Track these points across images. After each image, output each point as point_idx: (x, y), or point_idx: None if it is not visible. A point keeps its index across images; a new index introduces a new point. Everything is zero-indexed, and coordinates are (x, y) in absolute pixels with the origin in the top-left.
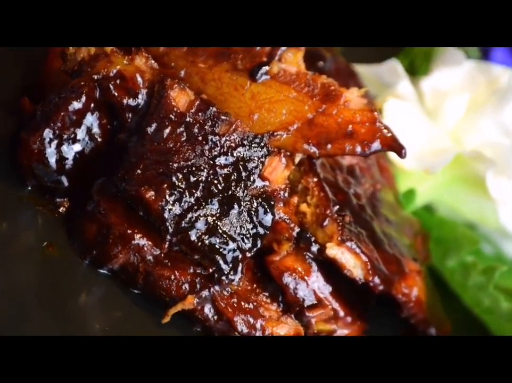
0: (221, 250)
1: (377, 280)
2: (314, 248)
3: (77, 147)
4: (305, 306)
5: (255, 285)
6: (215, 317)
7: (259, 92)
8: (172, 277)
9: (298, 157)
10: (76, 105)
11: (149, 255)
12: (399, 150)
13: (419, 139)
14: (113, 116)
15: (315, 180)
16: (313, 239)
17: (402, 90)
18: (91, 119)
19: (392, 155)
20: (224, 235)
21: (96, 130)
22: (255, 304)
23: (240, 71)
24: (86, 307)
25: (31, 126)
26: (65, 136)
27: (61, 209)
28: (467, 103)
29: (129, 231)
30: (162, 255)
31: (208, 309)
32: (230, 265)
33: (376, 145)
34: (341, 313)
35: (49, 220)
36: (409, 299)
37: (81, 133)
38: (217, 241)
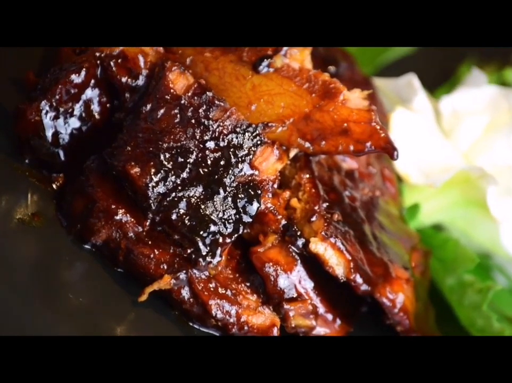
0: (201, 232)
1: (359, 279)
2: (300, 242)
3: (74, 122)
4: (284, 298)
5: (237, 275)
6: (191, 300)
7: (260, 83)
8: (152, 256)
9: (293, 152)
10: (75, 78)
11: (131, 232)
12: (392, 151)
13: (429, 155)
14: (113, 96)
15: (309, 176)
16: (299, 233)
17: (418, 105)
18: (90, 96)
19: (398, 168)
20: (206, 218)
21: (95, 107)
22: (234, 291)
23: (244, 63)
24: (69, 282)
25: (30, 98)
26: (62, 109)
27: (55, 185)
28: (485, 127)
29: (113, 206)
30: (144, 233)
31: (185, 292)
32: (209, 248)
33: (370, 145)
34: (322, 310)
35: (42, 194)
36: (393, 305)
37: (79, 108)
38: (199, 223)
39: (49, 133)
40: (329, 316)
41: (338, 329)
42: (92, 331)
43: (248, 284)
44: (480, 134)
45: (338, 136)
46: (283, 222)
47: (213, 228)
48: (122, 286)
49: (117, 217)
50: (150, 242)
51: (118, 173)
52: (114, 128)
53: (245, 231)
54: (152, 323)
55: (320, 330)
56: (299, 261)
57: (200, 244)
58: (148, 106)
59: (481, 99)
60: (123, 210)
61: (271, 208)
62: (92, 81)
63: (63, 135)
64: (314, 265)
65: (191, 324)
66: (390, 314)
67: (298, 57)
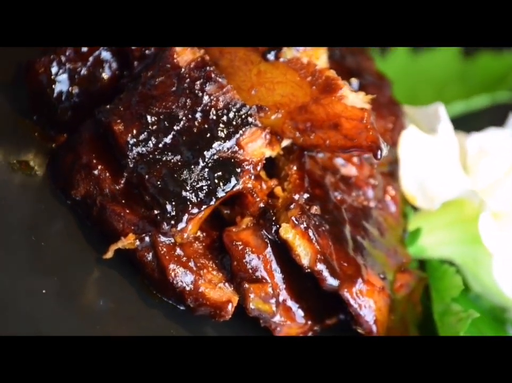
0: (170, 195)
1: (324, 271)
2: (274, 228)
3: (81, 82)
4: (247, 278)
5: (208, 252)
6: (153, 264)
7: (265, 70)
8: (122, 214)
9: (285, 142)
10: None
11: (107, 189)
12: (376, 150)
13: (440, 181)
14: (124, 65)
15: (297, 168)
16: (274, 218)
17: (441, 133)
18: (101, 57)
19: (405, 189)
20: (179, 184)
21: (104, 70)
22: (199, 265)
23: (256, 50)
24: (45, 236)
25: (42, 53)
26: (71, 67)
27: (55, 143)
28: (507, 169)
29: (94, 161)
30: (119, 192)
31: (149, 255)
32: (175, 212)
33: (356, 142)
34: (288, 301)
35: (40, 149)
36: (360, 307)
37: (87, 69)
38: (170, 187)
39: (55, 89)
40: (294, 308)
41: (301, 322)
42: (57, 280)
43: (216, 262)
44: (500, 176)
45: (328, 130)
46: (261, 205)
47: (183, 194)
48: (92, 244)
49: (96, 172)
50: (123, 202)
51: (104, 128)
52: (119, 94)
53: (226, 212)
54: (115, 284)
55: (281, 319)
56: (269, 246)
57: (167, 207)
58: (149, 73)
59: (508, 141)
60: (103, 166)
61: (251, 190)
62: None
63: (68, 93)
64: (287, 256)
65: (154, 291)
66: (356, 316)
67: (311, 53)
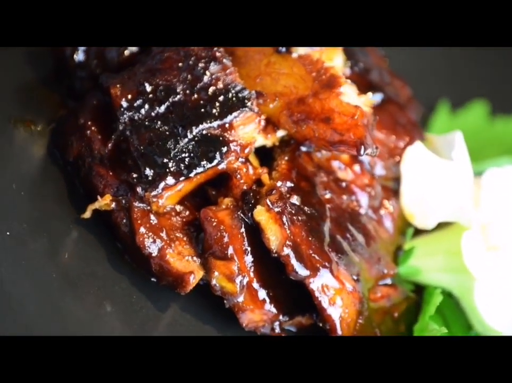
0: (151, 161)
1: (291, 258)
2: (252, 211)
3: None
4: (215, 254)
5: (185, 227)
6: (126, 228)
7: (275, 62)
8: (105, 176)
9: (280, 132)
10: None
11: (96, 151)
12: (359, 147)
13: (442, 203)
14: None
15: (288, 159)
16: (253, 201)
17: (455, 159)
18: None
19: (405, 206)
20: (162, 152)
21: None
22: (171, 237)
23: None
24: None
25: None
26: None
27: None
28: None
29: (89, 123)
30: (107, 154)
31: (124, 219)
32: (151, 178)
33: (344, 137)
34: (250, 281)
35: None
36: (325, 301)
37: None
38: (153, 153)
39: (77, 59)
40: (261, 294)
41: (265, 310)
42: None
43: (191, 239)
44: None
45: (320, 123)
46: (245, 188)
47: (164, 162)
48: (76, 205)
49: (88, 133)
50: (109, 165)
51: (104, 92)
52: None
53: (212, 193)
54: (90, 245)
55: (244, 302)
56: (243, 227)
57: (145, 171)
58: (160, 49)
59: None
60: (96, 129)
61: (237, 173)
62: None
63: (88, 65)
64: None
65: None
66: (320, 310)
67: (324, 53)
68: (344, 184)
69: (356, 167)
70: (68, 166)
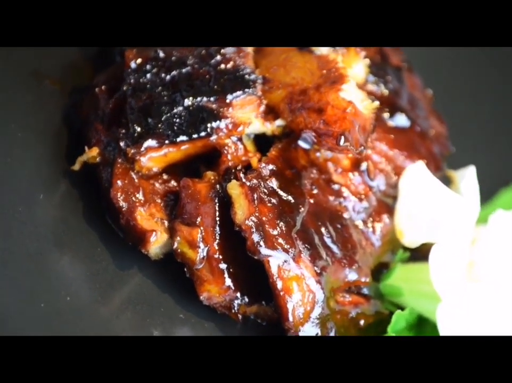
0: (141, 120)
1: (254, 234)
2: None
3: None
4: (183, 221)
5: (165, 195)
6: (108, 183)
7: (293, 56)
8: (99, 132)
9: (279, 121)
10: None
11: (100, 109)
12: (339, 136)
13: (435, 227)
14: None
15: (280, 147)
16: (232, 177)
17: (463, 190)
18: None
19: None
20: (155, 114)
21: None
22: (147, 198)
23: None
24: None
25: None
26: None
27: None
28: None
29: (100, 83)
30: (107, 112)
31: (107, 173)
32: (137, 134)
33: (331, 129)
34: (213, 252)
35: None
36: (280, 284)
37: None
38: (145, 114)
39: None
40: (222, 267)
41: (224, 285)
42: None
43: (167, 206)
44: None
45: (313, 113)
46: (229, 165)
47: (153, 123)
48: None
49: (96, 91)
50: (106, 121)
51: (121, 55)
52: None
53: (203, 169)
54: (77, 200)
55: (203, 272)
56: (217, 200)
57: (132, 128)
58: None
59: None
60: (105, 87)
61: (226, 150)
62: None
63: None
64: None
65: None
66: (275, 295)
67: (344, 55)
68: (336, 186)
69: (355, 175)
70: (79, 124)
